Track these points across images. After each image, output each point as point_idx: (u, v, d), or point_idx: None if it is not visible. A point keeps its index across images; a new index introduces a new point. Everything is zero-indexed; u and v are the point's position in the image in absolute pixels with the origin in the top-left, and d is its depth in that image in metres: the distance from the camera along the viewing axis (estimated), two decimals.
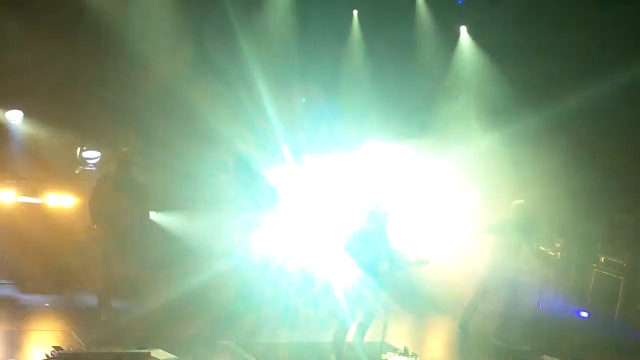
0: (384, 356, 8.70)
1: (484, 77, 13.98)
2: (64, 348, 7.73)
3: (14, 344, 8.09)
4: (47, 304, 9.61)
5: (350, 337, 8.95)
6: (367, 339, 9.30)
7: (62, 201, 10.80)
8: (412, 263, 8.71)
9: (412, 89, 14.20)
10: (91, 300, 10.03)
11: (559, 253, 11.31)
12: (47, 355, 7.66)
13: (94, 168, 11.57)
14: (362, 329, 8.96)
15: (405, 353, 9.04)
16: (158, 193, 11.15)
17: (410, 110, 14.26)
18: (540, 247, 11.15)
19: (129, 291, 10.22)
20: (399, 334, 10.06)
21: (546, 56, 12.76)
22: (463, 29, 14.54)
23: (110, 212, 9.62)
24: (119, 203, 9.66)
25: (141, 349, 8.05)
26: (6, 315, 8.95)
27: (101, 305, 9.71)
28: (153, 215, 10.99)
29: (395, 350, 9.16)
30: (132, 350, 7.97)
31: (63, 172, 11.33)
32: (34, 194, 10.74)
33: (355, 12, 14.69)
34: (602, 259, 11.73)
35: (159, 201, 11.22)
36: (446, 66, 14.45)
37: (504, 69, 13.53)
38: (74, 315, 9.58)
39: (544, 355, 10.32)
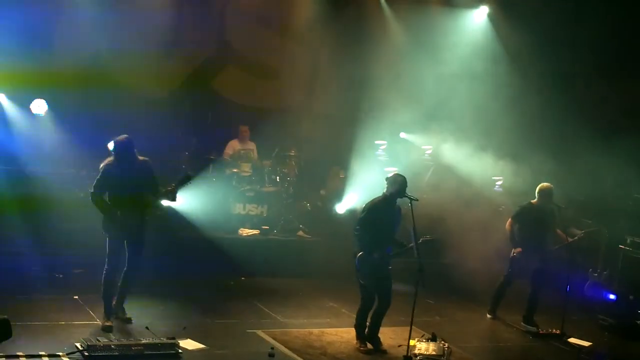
0: (412, 342, 8.67)
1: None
2: (94, 340, 7.82)
3: (47, 336, 8.17)
4: (75, 297, 9.68)
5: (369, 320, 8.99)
6: (395, 324, 9.32)
7: None
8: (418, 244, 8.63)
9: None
10: None
11: (584, 236, 11.17)
12: (77, 347, 7.76)
13: None
14: (378, 316, 8.99)
15: (433, 339, 9.01)
16: None
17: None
18: (566, 230, 11.06)
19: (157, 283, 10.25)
20: (426, 320, 10.04)
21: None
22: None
23: None
24: None
25: (170, 339, 8.11)
26: (39, 309, 9.04)
27: None
28: None
29: (422, 336, 9.13)
30: (161, 341, 8.03)
31: None
32: None
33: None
34: (629, 240, 11.58)
35: None
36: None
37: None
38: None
39: (572, 339, 10.28)
